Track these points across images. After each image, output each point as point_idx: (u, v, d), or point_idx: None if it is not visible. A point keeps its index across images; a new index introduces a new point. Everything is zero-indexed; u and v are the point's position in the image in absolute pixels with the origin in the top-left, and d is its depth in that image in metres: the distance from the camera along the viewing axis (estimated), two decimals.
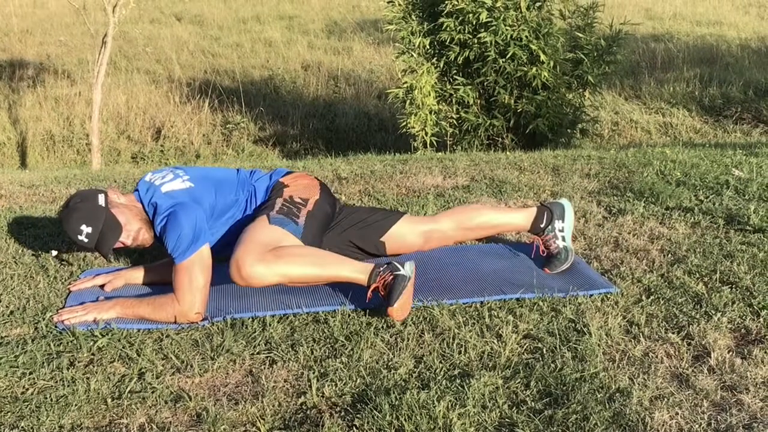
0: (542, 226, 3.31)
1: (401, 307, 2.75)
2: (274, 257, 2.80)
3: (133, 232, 2.99)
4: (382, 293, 2.82)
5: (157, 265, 3.25)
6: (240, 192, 3.16)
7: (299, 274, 2.85)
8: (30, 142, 10.85)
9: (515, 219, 3.36)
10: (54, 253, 3.46)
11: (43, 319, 2.85)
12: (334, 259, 2.95)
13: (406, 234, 3.32)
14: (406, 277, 2.79)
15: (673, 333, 2.65)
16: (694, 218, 3.77)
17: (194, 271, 2.83)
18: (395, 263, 2.87)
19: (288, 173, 3.30)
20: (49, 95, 12.05)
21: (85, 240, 2.91)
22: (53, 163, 10.52)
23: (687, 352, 2.53)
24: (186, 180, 3.04)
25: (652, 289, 3.00)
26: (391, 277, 2.81)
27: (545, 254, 3.31)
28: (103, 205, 2.95)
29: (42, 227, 3.89)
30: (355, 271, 2.90)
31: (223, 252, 3.14)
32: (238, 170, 3.28)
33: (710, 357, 2.49)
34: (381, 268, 2.86)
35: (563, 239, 3.28)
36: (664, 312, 2.81)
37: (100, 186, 4.80)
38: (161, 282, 3.10)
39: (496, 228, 3.42)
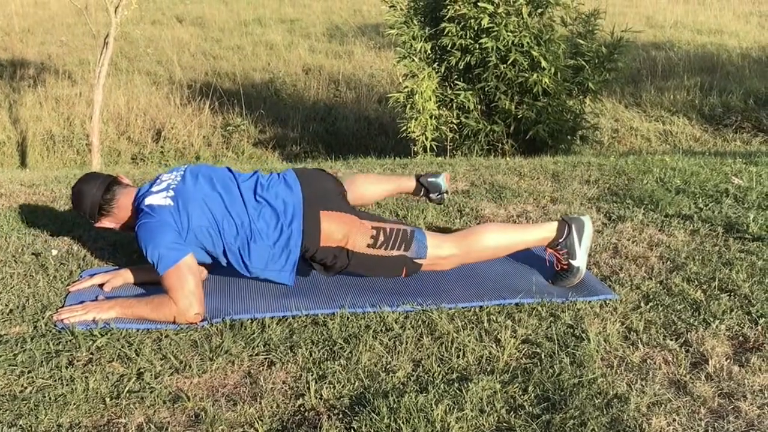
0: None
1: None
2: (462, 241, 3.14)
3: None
4: (557, 266, 3.18)
5: None
6: (223, 232, 2.97)
7: (489, 248, 3.16)
8: (30, 142, 10.84)
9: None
10: (54, 252, 3.46)
11: (43, 318, 2.86)
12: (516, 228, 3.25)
13: None
14: (578, 271, 3.13)
15: (671, 340, 2.66)
16: (694, 226, 3.77)
17: (181, 275, 2.83)
18: (573, 239, 3.15)
19: (314, 235, 3.02)
20: (49, 95, 12.04)
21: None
22: (53, 162, 10.51)
23: (685, 359, 2.54)
24: (168, 197, 2.98)
25: (651, 296, 3.01)
26: (566, 264, 3.15)
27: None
28: (93, 222, 3.20)
29: (42, 226, 3.89)
30: (538, 234, 3.21)
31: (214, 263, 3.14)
32: (237, 197, 3.06)
33: (708, 364, 2.49)
34: (560, 240, 3.17)
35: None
36: (663, 319, 2.82)
37: None
38: (160, 282, 3.10)
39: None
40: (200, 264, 3.05)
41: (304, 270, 3.13)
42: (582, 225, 3.19)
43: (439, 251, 3.10)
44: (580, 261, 3.14)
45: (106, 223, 3.17)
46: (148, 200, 2.99)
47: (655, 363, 2.52)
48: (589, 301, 2.96)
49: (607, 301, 2.97)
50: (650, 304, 2.94)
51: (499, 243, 3.15)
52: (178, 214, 2.94)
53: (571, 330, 2.73)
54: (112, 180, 3.19)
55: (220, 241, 2.99)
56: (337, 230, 3.02)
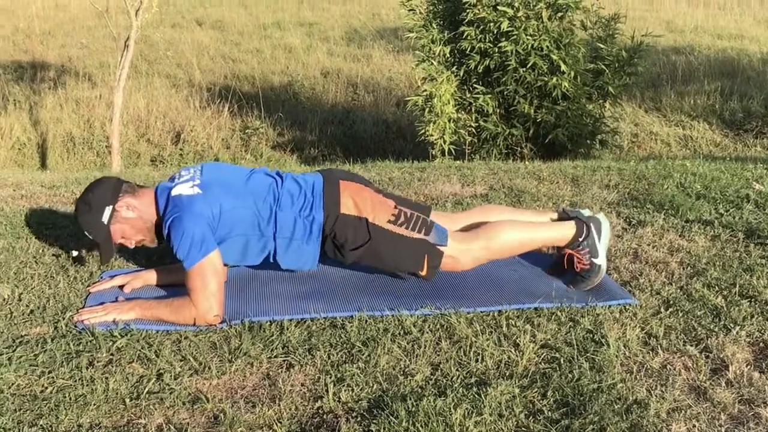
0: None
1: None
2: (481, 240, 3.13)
3: (135, 241, 3.12)
4: (578, 268, 3.15)
5: (177, 267, 3.24)
6: (252, 207, 3.03)
7: (507, 242, 3.16)
8: (50, 144, 10.92)
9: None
10: (74, 253, 3.48)
11: (63, 319, 2.87)
12: (529, 225, 3.23)
13: None
14: (602, 268, 3.13)
15: (691, 345, 2.65)
16: (714, 231, 3.75)
17: (206, 275, 2.84)
18: (593, 236, 3.15)
19: (334, 193, 3.09)
20: (70, 97, 12.12)
21: (91, 239, 3.09)
22: (73, 164, 10.58)
23: (705, 365, 2.52)
24: (196, 185, 3.00)
25: (671, 302, 2.99)
26: (589, 261, 3.13)
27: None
28: (105, 222, 3.03)
29: (62, 228, 3.91)
30: (555, 232, 3.22)
31: (243, 261, 3.14)
32: (255, 176, 3.16)
33: (728, 370, 2.48)
34: (581, 239, 3.16)
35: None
36: (683, 324, 2.80)
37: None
38: (180, 284, 3.11)
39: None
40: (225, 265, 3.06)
41: (324, 258, 3.15)
42: (599, 224, 3.20)
43: (459, 244, 3.11)
44: (602, 259, 3.14)
45: (123, 213, 3.04)
46: (176, 190, 2.99)
47: (675, 369, 2.51)
48: (609, 306, 2.95)
49: (627, 307, 2.95)
50: (670, 309, 2.92)
51: (517, 239, 3.16)
52: (208, 201, 2.95)
53: (591, 335, 2.72)
54: (108, 203, 3.08)
55: (252, 217, 3.02)
56: (356, 198, 3.07)
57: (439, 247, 3.07)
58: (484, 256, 3.15)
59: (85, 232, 3.08)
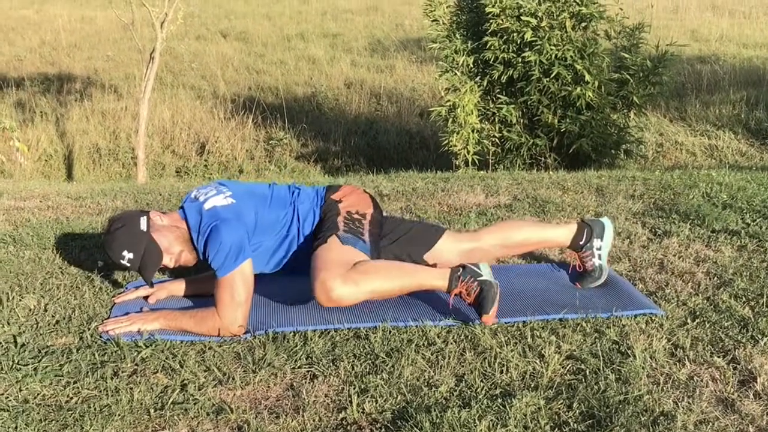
0: (581, 243, 3.30)
1: (494, 313, 2.84)
2: (359, 275, 2.86)
3: (175, 254, 3.06)
4: (469, 300, 2.90)
5: (201, 278, 3.27)
6: (282, 210, 3.16)
7: (384, 289, 2.91)
8: (76, 155, 11.01)
9: (555, 234, 3.36)
10: (100, 263, 3.51)
11: (89, 329, 2.89)
12: (411, 269, 3.03)
13: (446, 251, 3.30)
14: (492, 283, 2.87)
15: (718, 357, 2.62)
16: (741, 241, 3.72)
17: (236, 285, 2.85)
18: (471, 267, 2.94)
19: (334, 189, 3.30)
20: (96, 109, 12.23)
21: (128, 264, 3.00)
22: (99, 175, 10.66)
23: (732, 377, 2.49)
24: (228, 196, 3.05)
25: (698, 312, 2.96)
26: (476, 283, 2.88)
27: (581, 270, 3.33)
28: (144, 229, 3.00)
29: (88, 238, 3.94)
30: (434, 278, 2.97)
31: (266, 268, 3.17)
32: (275, 185, 3.29)
33: (756, 382, 2.45)
34: (459, 273, 2.92)
35: (599, 257, 3.27)
36: (710, 335, 2.77)
37: (145, 198, 4.86)
38: (204, 294, 3.13)
39: (537, 244, 3.42)
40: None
41: None
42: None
43: (355, 264, 2.93)
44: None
45: (158, 222, 3.04)
46: (209, 204, 3.01)
47: (702, 380, 2.48)
48: (635, 317, 2.93)
49: (653, 317, 2.93)
50: (697, 320, 2.90)
51: (387, 288, 2.93)
52: (244, 209, 3.02)
53: (617, 346, 2.70)
54: (141, 214, 3.08)
55: (282, 220, 3.14)
56: (349, 191, 3.27)
57: (330, 236, 3.02)
58: (365, 296, 2.90)
59: (123, 258, 2.96)
